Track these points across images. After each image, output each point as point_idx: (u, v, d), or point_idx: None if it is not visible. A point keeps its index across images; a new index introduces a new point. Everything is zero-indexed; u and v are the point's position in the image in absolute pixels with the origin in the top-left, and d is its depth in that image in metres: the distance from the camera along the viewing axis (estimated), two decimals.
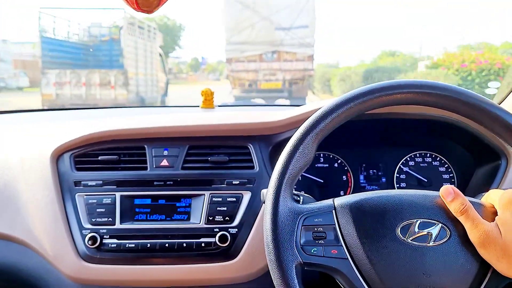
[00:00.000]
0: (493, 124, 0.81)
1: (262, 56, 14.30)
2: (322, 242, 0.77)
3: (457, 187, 0.77)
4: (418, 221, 0.76)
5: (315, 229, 0.78)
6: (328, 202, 0.81)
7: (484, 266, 0.73)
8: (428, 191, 0.81)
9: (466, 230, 0.74)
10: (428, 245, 0.74)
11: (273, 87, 14.15)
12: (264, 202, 0.82)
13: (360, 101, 0.82)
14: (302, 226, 0.78)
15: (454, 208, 0.75)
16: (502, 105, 1.33)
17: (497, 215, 0.75)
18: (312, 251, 0.76)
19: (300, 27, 14.07)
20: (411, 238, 0.75)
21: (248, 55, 14.25)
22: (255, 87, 14.23)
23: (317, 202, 0.83)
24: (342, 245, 0.77)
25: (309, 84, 14.91)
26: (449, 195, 0.76)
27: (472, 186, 1.23)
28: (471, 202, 0.75)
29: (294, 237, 0.77)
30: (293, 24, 14.04)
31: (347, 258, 0.76)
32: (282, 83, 14.10)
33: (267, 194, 0.80)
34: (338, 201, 0.80)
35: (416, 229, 0.75)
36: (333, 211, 0.79)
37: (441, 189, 0.77)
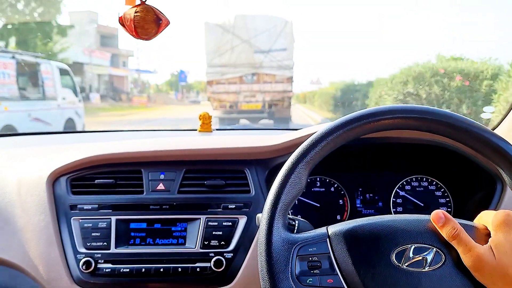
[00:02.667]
0: (484, 148, 0.80)
1: (242, 78, 14.40)
2: (318, 271, 0.75)
3: (454, 212, 0.76)
4: (413, 246, 0.74)
5: (310, 258, 0.76)
6: (321, 230, 0.80)
7: None
8: (421, 215, 0.79)
9: (460, 255, 0.72)
10: (424, 270, 0.72)
11: (253, 108, 14.24)
12: (259, 226, 0.80)
13: (349, 128, 0.81)
14: (296, 256, 0.76)
15: (445, 233, 0.73)
16: (497, 130, 1.34)
17: (490, 237, 0.72)
18: (308, 281, 0.74)
19: (278, 50, 14.24)
20: (406, 264, 0.73)
21: (229, 77, 14.34)
22: (236, 108, 14.29)
23: (310, 231, 0.81)
24: (337, 274, 0.74)
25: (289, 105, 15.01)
26: (439, 219, 0.74)
27: (468, 210, 1.22)
28: (463, 225, 0.74)
29: (289, 268, 0.75)
30: (272, 47, 14.20)
31: (343, 287, 0.74)
32: (262, 104, 14.19)
33: (260, 225, 0.78)
34: (332, 229, 0.79)
35: (411, 255, 0.73)
36: (327, 239, 0.77)
37: (432, 214, 0.75)
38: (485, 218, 0.76)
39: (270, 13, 14.81)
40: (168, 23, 0.99)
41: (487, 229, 0.75)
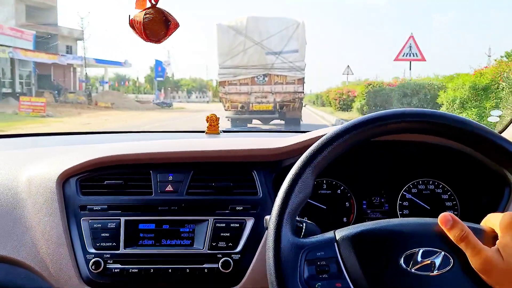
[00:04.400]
0: (492, 152, 0.80)
1: (254, 79, 14.43)
2: (326, 276, 0.74)
3: (460, 215, 0.75)
4: (421, 250, 0.73)
5: (318, 263, 0.75)
6: (329, 235, 0.79)
7: None
8: (428, 218, 0.78)
9: (468, 257, 0.71)
10: (432, 274, 0.71)
11: (264, 109, 14.27)
12: (267, 228, 0.79)
13: (356, 132, 0.81)
14: (305, 260, 0.75)
15: (453, 235, 0.72)
16: (504, 134, 1.33)
17: (497, 239, 0.72)
18: (316, 285, 0.73)
19: (290, 52, 14.24)
20: (414, 268, 0.72)
21: (241, 78, 14.38)
22: (247, 108, 14.33)
23: (318, 236, 0.80)
24: (346, 278, 0.74)
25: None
26: (447, 222, 0.72)
27: (475, 214, 1.18)
28: (470, 227, 0.72)
29: (298, 273, 0.74)
30: (283, 49, 14.21)
31: None
32: (273, 105, 14.22)
33: (269, 230, 0.78)
34: (340, 233, 0.78)
35: (419, 258, 0.72)
36: (335, 243, 0.77)
37: (439, 216, 0.74)
38: (492, 221, 0.75)
39: (283, 15, 14.77)
40: (177, 25, 0.99)
41: (494, 231, 0.74)
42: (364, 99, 14.15)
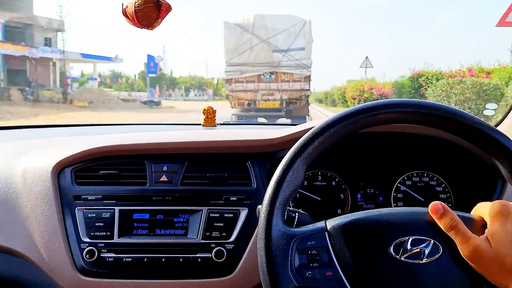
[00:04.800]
0: (486, 144, 0.80)
1: (261, 76, 14.45)
2: (317, 264, 0.75)
3: (454, 207, 0.75)
4: (410, 239, 0.73)
5: (309, 252, 0.75)
6: (320, 224, 0.79)
7: (478, 280, 0.71)
8: (418, 208, 0.79)
9: (457, 245, 0.71)
10: (421, 262, 0.72)
11: (271, 106, 14.29)
12: (259, 217, 0.80)
13: (346, 122, 0.81)
14: (296, 249, 0.76)
15: (443, 224, 0.73)
16: (500, 127, 1.33)
17: (486, 227, 0.73)
18: (307, 274, 0.74)
19: (297, 49, 14.23)
20: (404, 256, 0.73)
21: (247, 76, 14.39)
22: (254, 106, 14.35)
23: (309, 225, 0.80)
24: (336, 267, 0.74)
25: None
26: (437, 211, 0.73)
27: (469, 206, 1.19)
28: (460, 216, 0.73)
29: (289, 261, 0.74)
30: (290, 47, 14.21)
31: (342, 279, 0.73)
32: (279, 102, 14.22)
33: (259, 220, 0.78)
34: (330, 223, 0.78)
35: (409, 247, 0.73)
36: (326, 233, 0.77)
37: (430, 205, 0.74)
38: (481, 209, 0.76)
39: (289, 13, 14.79)
40: (169, 7, 0.97)
41: (483, 220, 0.75)
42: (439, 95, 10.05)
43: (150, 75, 42.62)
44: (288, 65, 14.32)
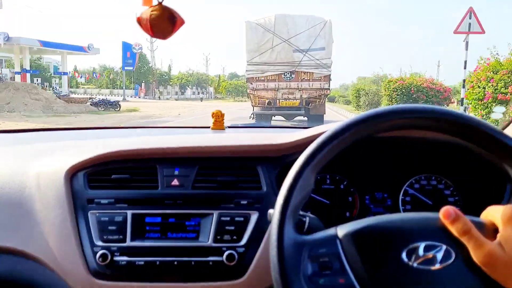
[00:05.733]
0: (495, 148, 0.79)
1: (281, 76, 14.47)
2: (329, 272, 0.73)
3: (463, 210, 0.73)
4: (423, 244, 0.72)
5: (321, 259, 0.74)
6: (331, 231, 0.78)
7: (492, 286, 0.69)
8: (430, 213, 0.77)
9: (470, 251, 0.70)
10: (434, 268, 0.70)
11: (291, 105, 14.32)
12: (271, 222, 0.79)
13: (357, 129, 0.80)
14: (308, 257, 0.75)
15: (456, 229, 0.71)
16: (507, 130, 1.30)
17: (498, 232, 0.71)
18: (320, 282, 0.73)
19: (317, 49, 14.20)
20: (416, 262, 0.71)
21: (268, 75, 14.43)
22: (274, 104, 14.38)
23: (320, 232, 0.79)
24: (349, 274, 0.73)
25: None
26: (449, 216, 0.71)
27: (477, 209, 1.17)
28: (472, 221, 0.71)
29: (301, 269, 0.73)
30: (311, 46, 14.19)
31: (355, 286, 0.72)
32: (299, 101, 14.23)
33: (272, 228, 0.77)
34: (342, 229, 0.77)
35: (421, 253, 0.71)
36: (337, 240, 0.76)
37: (442, 210, 0.73)
38: (492, 214, 0.74)
39: (310, 13, 14.77)
40: (183, 22, 1.00)
41: (494, 224, 0.73)
42: None
43: (127, 68, 33.25)
44: (309, 65, 14.36)
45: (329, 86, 14.56)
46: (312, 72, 14.36)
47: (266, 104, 14.50)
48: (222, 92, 49.93)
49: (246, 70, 14.50)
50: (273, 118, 14.62)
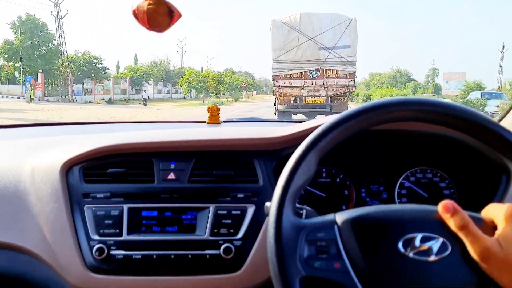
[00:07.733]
0: (492, 140, 0.79)
1: (307, 73, 14.45)
2: (325, 256, 0.73)
3: (458, 203, 0.71)
4: (420, 235, 0.71)
5: (318, 243, 0.74)
6: (330, 217, 0.77)
7: (485, 281, 0.69)
8: (428, 205, 0.77)
9: (467, 245, 0.69)
10: (430, 259, 0.70)
11: (316, 103, 14.28)
12: (267, 215, 0.77)
13: (360, 118, 0.79)
14: (305, 240, 0.74)
15: (454, 223, 0.70)
16: (503, 122, 1.29)
17: (496, 229, 0.71)
18: (315, 265, 0.72)
19: (342, 47, 14.11)
20: (412, 252, 0.70)
21: (294, 73, 14.43)
22: (300, 102, 14.38)
23: (319, 217, 0.79)
24: (344, 259, 0.72)
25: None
26: (448, 210, 0.71)
27: (473, 202, 1.13)
28: (470, 216, 0.71)
29: (298, 252, 0.73)
30: (336, 44, 14.11)
31: (350, 272, 0.71)
32: (325, 99, 14.17)
33: (271, 209, 0.76)
34: (340, 216, 0.76)
35: (417, 243, 0.71)
36: (335, 225, 0.75)
37: (441, 204, 0.72)
38: (493, 211, 0.74)
39: (335, 11, 14.74)
40: (180, 15, 0.98)
41: (494, 222, 0.73)
42: None
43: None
44: (334, 62, 14.34)
45: (354, 83, 14.46)
46: (338, 70, 14.32)
47: (292, 101, 14.49)
48: (184, 90, 37.14)
49: (272, 68, 14.58)
50: (293, 116, 14.59)
